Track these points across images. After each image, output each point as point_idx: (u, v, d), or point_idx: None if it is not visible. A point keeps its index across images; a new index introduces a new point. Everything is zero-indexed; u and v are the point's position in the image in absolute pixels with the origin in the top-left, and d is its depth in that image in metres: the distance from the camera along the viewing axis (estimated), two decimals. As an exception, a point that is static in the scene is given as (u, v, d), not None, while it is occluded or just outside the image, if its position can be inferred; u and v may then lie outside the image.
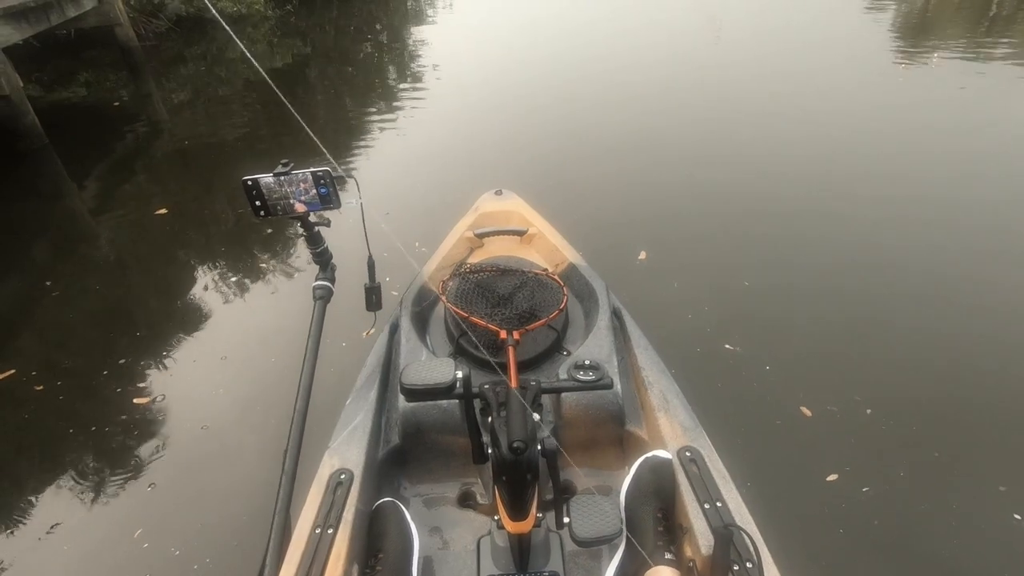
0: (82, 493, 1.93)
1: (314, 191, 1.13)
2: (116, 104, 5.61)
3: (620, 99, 5.09)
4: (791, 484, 1.81)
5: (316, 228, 1.20)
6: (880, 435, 1.95)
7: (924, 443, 1.92)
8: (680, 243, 3.03)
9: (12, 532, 1.82)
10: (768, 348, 2.31)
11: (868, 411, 2.03)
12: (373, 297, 1.38)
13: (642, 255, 2.90)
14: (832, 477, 1.82)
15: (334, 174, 1.12)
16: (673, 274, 2.76)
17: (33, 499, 1.91)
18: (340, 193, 1.16)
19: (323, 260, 1.23)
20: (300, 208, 1.14)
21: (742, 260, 2.87)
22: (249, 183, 1.12)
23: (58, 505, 1.89)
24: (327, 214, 1.19)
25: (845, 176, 3.63)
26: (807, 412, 2.02)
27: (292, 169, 1.12)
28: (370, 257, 1.33)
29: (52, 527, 1.81)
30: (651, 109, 4.84)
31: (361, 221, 1.28)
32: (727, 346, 2.31)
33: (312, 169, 1.11)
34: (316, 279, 1.23)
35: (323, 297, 1.20)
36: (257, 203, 1.14)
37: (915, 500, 1.75)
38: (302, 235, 1.22)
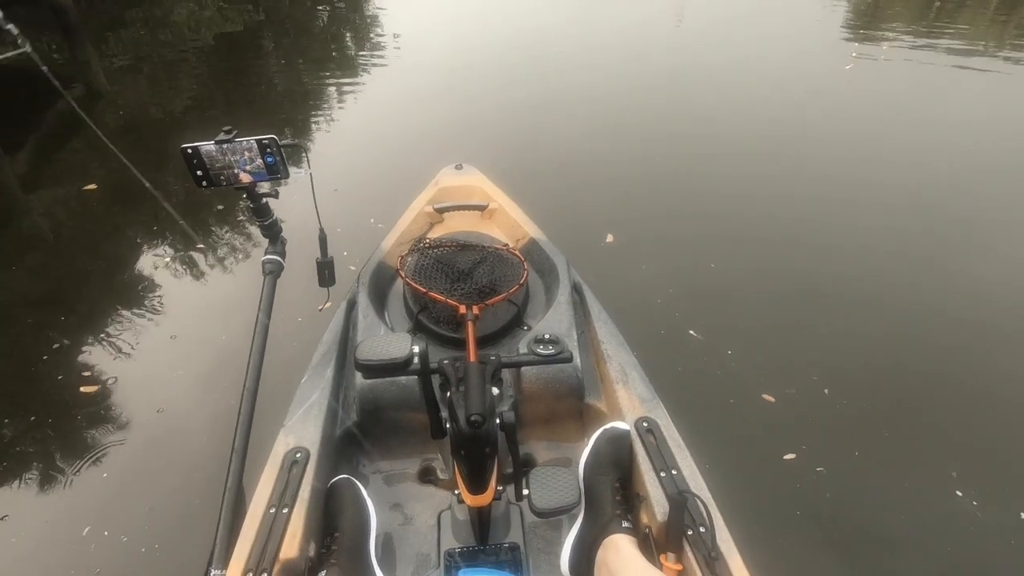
0: (28, 485, 1.85)
1: (260, 160, 1.07)
2: (48, 68, 5.21)
3: (588, 80, 5.01)
4: (749, 461, 1.87)
5: (264, 200, 1.14)
6: (837, 416, 2.02)
7: (879, 423, 2.00)
8: (647, 226, 3.02)
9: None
10: (732, 330, 2.35)
11: (825, 391, 2.10)
12: (326, 272, 1.34)
13: (609, 238, 2.89)
14: (789, 456, 1.88)
15: (281, 142, 1.06)
16: (640, 257, 2.76)
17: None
18: (289, 164, 1.11)
19: (272, 233, 1.18)
20: (245, 178, 1.09)
21: (710, 243, 2.88)
22: (189, 151, 1.06)
23: (2, 499, 1.80)
24: (275, 185, 1.14)
25: (812, 161, 3.67)
26: (769, 398, 2.08)
27: (236, 136, 1.06)
28: (321, 230, 1.28)
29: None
30: (618, 90, 4.78)
31: (311, 193, 1.24)
32: (691, 332, 2.34)
33: (257, 137, 1.06)
34: (265, 253, 1.18)
35: (273, 272, 1.15)
36: (199, 172, 1.08)
37: (867, 477, 1.84)
38: (249, 207, 1.16)
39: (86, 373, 2.21)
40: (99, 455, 1.93)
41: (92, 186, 3.40)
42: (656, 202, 3.25)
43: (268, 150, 1.06)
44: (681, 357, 2.25)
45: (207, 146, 1.05)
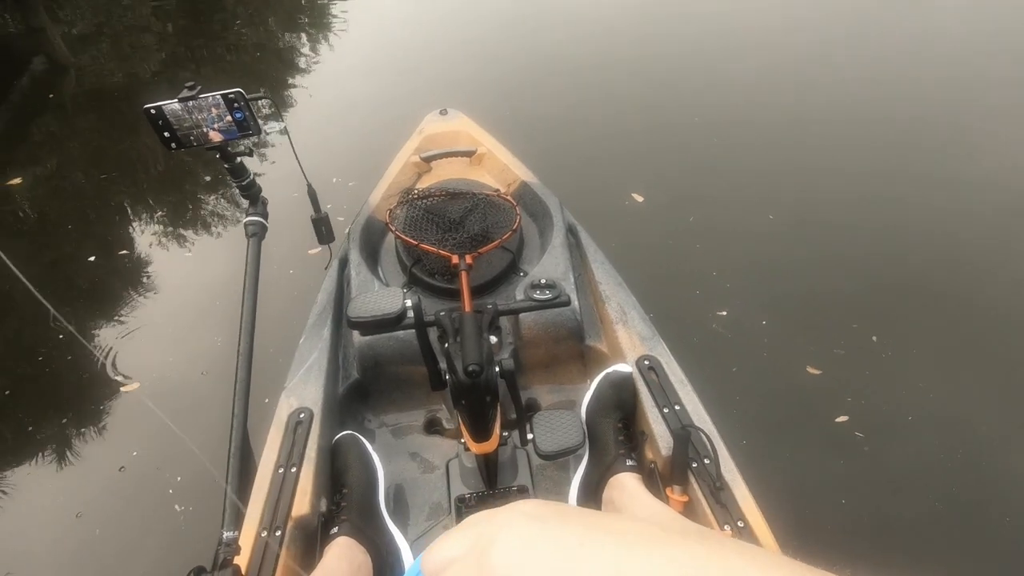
0: (90, 481, 1.86)
1: (228, 117, 1.02)
2: None
3: (584, 12, 4.64)
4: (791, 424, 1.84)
5: (238, 159, 1.09)
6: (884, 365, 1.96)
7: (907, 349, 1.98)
8: (679, 181, 2.70)
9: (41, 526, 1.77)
10: (771, 292, 2.20)
11: (873, 338, 2.01)
12: (323, 228, 1.31)
13: (638, 197, 2.59)
14: (841, 418, 1.81)
15: (248, 95, 1.00)
16: (679, 215, 2.50)
17: (45, 500, 1.83)
18: (260, 119, 1.06)
19: (251, 194, 1.14)
20: (216, 137, 1.04)
21: (761, 190, 2.63)
22: (152, 112, 1.00)
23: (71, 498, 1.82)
24: (248, 143, 1.09)
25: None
26: (813, 370, 1.94)
27: (200, 93, 1.00)
28: (309, 185, 1.24)
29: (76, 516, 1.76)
30: (622, 27, 4.36)
31: (291, 147, 1.19)
32: (721, 312, 2.13)
33: (222, 92, 0.99)
34: (247, 215, 1.14)
35: (256, 234, 1.12)
36: (165, 134, 1.02)
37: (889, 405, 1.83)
38: (224, 168, 1.11)
39: (110, 361, 2.18)
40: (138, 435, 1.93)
41: (17, 180, 3.10)
42: (688, 152, 2.88)
43: (236, 105, 1.01)
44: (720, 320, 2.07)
45: (171, 105, 1.00)
